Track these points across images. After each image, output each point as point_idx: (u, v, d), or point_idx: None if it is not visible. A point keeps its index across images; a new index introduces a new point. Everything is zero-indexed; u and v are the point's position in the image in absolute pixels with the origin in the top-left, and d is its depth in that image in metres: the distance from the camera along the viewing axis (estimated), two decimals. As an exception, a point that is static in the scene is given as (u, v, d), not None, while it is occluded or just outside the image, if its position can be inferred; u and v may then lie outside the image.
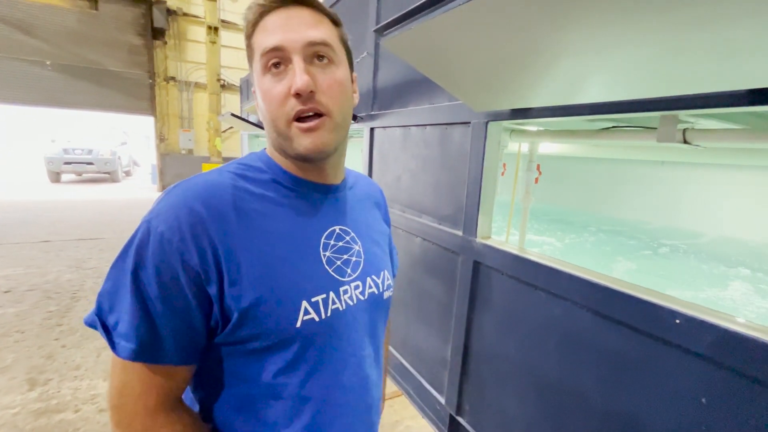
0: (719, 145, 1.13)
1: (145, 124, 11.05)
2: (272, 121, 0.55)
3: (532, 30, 0.93)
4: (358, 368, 0.62)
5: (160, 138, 9.97)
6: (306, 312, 0.54)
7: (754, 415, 0.85)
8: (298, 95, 0.53)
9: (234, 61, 10.57)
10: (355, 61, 2.56)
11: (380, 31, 1.22)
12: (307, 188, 0.61)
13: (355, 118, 2.59)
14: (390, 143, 2.32)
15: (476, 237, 1.65)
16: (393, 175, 2.30)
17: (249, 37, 0.57)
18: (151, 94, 9.74)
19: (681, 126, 1.08)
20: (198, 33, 9.99)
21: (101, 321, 0.49)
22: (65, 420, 1.92)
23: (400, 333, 2.28)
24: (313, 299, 0.55)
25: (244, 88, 7.90)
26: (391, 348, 2.37)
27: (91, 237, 5.24)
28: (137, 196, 9.18)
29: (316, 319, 0.55)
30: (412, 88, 2.08)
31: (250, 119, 6.28)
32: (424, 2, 1.02)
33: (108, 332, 0.49)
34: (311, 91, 0.53)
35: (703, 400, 0.94)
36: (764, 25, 0.64)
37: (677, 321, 0.97)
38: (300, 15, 0.54)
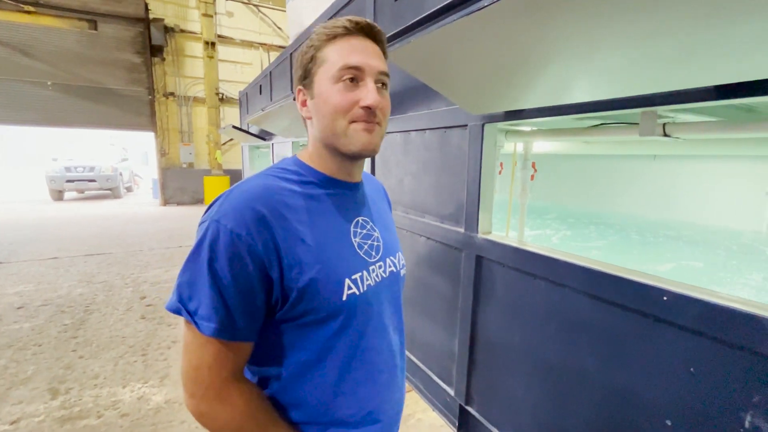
0: (698, 137, 1.22)
1: (144, 139, 11.19)
2: (334, 119, 0.66)
3: (521, 39, 1.03)
4: (385, 333, 0.74)
5: (161, 153, 10.10)
6: (349, 287, 0.66)
7: (738, 379, 0.94)
8: (368, 108, 0.66)
9: (232, 75, 10.74)
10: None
11: (381, 44, 1.33)
12: (337, 186, 0.73)
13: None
14: (391, 148, 2.42)
15: (478, 233, 1.74)
16: (395, 178, 2.40)
17: (320, 48, 0.67)
18: (151, 109, 9.89)
19: (661, 120, 1.18)
20: (195, 48, 10.17)
21: (184, 308, 0.59)
22: (89, 425, 1.99)
23: (408, 330, 2.35)
24: (353, 277, 0.67)
25: (243, 101, 8.04)
26: (399, 345, 2.44)
27: (99, 252, 5.32)
28: (139, 210, 9.28)
29: (357, 293, 0.67)
30: (410, 95, 2.18)
31: (252, 131, 6.38)
32: (421, 18, 1.13)
33: (191, 316, 0.59)
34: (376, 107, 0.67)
35: (692, 369, 1.02)
36: (725, 30, 0.74)
37: (665, 298, 1.06)
38: (374, 48, 0.69)
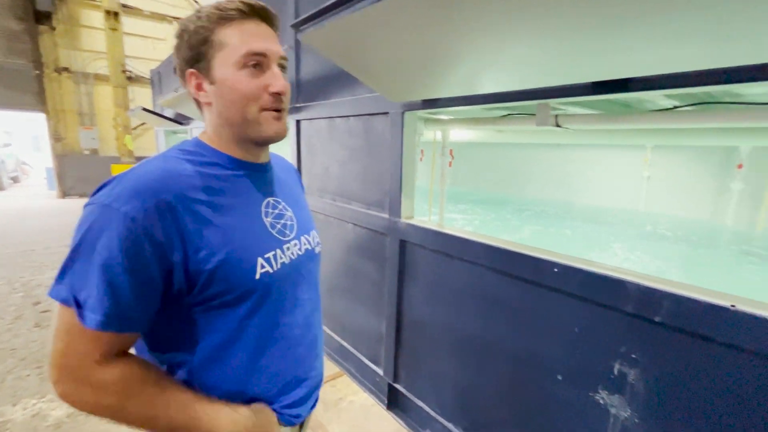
0: (584, 127, 1.39)
1: (34, 121, 9.63)
2: (244, 106, 0.66)
3: (432, 30, 1.07)
4: (302, 308, 0.77)
5: (56, 137, 8.79)
6: (262, 266, 0.67)
7: (610, 334, 1.11)
8: (277, 94, 0.67)
9: (141, 51, 9.64)
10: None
11: (297, 26, 1.29)
12: (244, 168, 0.72)
13: (280, 110, 2.60)
14: (317, 135, 2.39)
15: (401, 218, 1.80)
16: (322, 165, 2.38)
17: (214, 30, 0.64)
18: (39, 87, 8.51)
19: (554, 112, 1.32)
20: (94, 18, 8.91)
21: (73, 297, 0.55)
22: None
23: (340, 317, 2.38)
24: (266, 255, 0.68)
25: (156, 81, 7.27)
26: (331, 332, 2.47)
27: (-24, 254, 4.53)
28: (31, 204, 8.02)
29: (270, 271, 0.68)
30: (334, 80, 2.16)
31: (166, 114, 5.82)
32: (335, 1, 1.12)
33: (78, 307, 0.54)
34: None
35: (576, 329, 1.18)
36: (599, 34, 0.85)
37: (555, 270, 1.20)
38: (271, 32, 0.70)
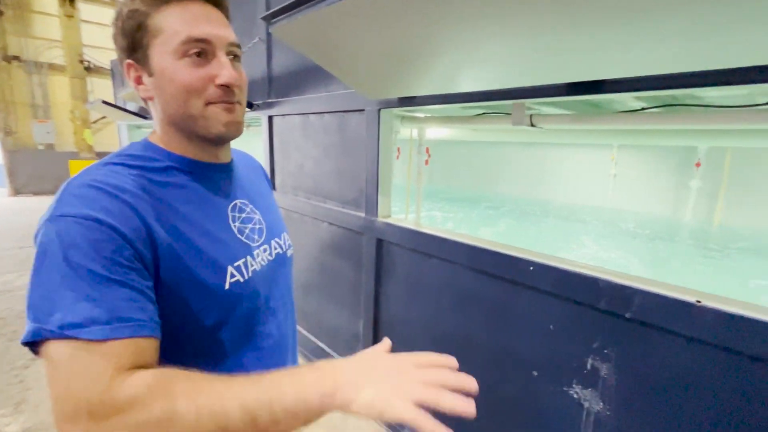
0: (557, 127, 1.41)
1: (-19, 114, 8.94)
2: (186, 101, 0.58)
3: (408, 26, 1.05)
4: (275, 317, 0.72)
5: (6, 131, 8.19)
6: (232, 275, 0.61)
7: (583, 330, 1.14)
8: (225, 87, 0.59)
9: (101, 40, 9.10)
10: (246, 48, 2.46)
11: (268, 19, 1.24)
12: (204, 170, 0.66)
13: (251, 106, 2.52)
14: (290, 131, 2.32)
15: (377, 217, 1.78)
16: (296, 163, 2.32)
17: (149, 14, 0.57)
18: (-14, 76, 7.90)
19: (529, 112, 1.33)
20: (48, 4, 8.33)
21: (45, 327, 0.44)
22: None
23: (315, 317, 2.34)
24: (235, 264, 0.63)
25: (117, 72, 6.89)
26: (306, 332, 2.42)
27: None
28: (-22, 203, 7.45)
29: (241, 280, 0.63)
30: (308, 75, 2.10)
31: (129, 107, 5.53)
32: (309, -7, 1.08)
33: (59, 330, 0.44)
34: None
35: (551, 326, 1.21)
36: (574, 37, 0.85)
37: (531, 268, 1.22)
38: (218, 15, 0.61)
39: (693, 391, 0.95)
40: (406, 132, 2.02)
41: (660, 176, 3.48)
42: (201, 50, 0.58)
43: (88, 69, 8.83)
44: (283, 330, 0.75)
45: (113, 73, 7.38)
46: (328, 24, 1.16)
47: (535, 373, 1.27)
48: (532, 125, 1.30)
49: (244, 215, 0.70)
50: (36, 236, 0.50)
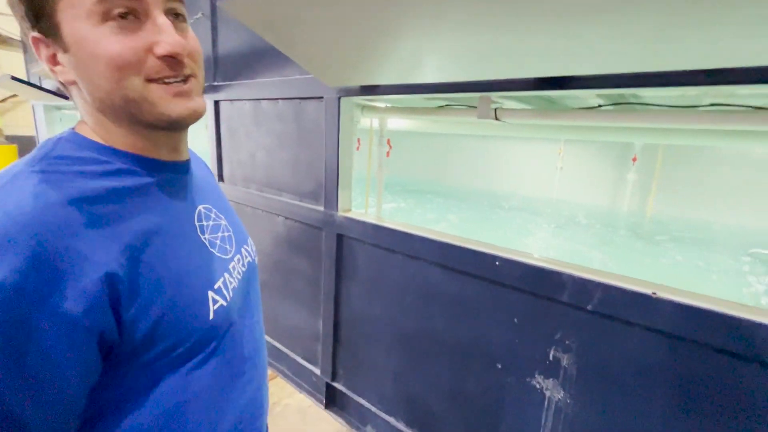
0: (519, 122, 1.42)
1: None
2: (119, 80, 0.44)
3: (373, 11, 0.98)
4: (252, 335, 0.63)
5: None
6: (214, 301, 0.52)
7: (546, 323, 1.16)
8: (167, 58, 0.45)
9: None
10: (188, 23, 2.22)
11: (216, -9, 1.10)
12: (163, 170, 0.52)
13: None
14: (240, 118, 2.15)
15: (337, 211, 1.71)
16: (246, 152, 2.15)
17: None
18: None
19: (494, 106, 1.32)
20: (-66, -42, 7.05)
21: None
22: None
23: (270, 316, 2.22)
24: (215, 286, 0.53)
25: (29, 44, 6.01)
26: (261, 333, 2.30)
27: None
28: None
29: (224, 304, 0.53)
30: (259, 57, 1.94)
31: (45, 86, 4.88)
32: (263, -36, 0.97)
33: None
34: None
35: (515, 320, 1.22)
36: (544, 36, 0.83)
37: (497, 263, 1.22)
38: None
39: (648, 378, 1.00)
40: (366, 122, 1.95)
41: (601, 170, 3.76)
42: (127, 9, 0.43)
43: (-9, 39, 7.63)
44: (258, 345, 0.66)
45: (24, 46, 6.44)
46: (287, 2, 1.05)
47: (499, 366, 1.29)
48: (497, 119, 1.29)
49: (211, 223, 0.58)
50: None
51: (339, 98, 1.59)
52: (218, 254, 0.57)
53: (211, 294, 0.51)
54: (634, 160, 3.42)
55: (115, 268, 0.41)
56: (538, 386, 1.21)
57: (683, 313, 0.91)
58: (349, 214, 1.68)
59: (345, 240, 1.71)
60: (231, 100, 2.16)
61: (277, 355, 2.22)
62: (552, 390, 1.18)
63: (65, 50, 0.44)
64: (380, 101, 1.76)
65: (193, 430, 0.51)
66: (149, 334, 0.44)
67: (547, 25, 0.81)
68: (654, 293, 0.95)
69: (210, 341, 0.51)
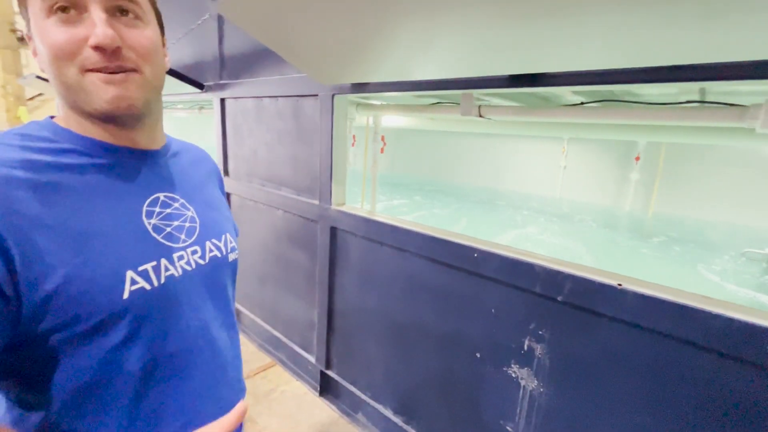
0: (504, 119, 1.46)
1: None
2: (58, 68, 0.50)
3: (362, 11, 1.03)
4: (204, 332, 0.62)
5: None
6: (133, 282, 0.52)
7: (522, 313, 1.20)
8: (99, 49, 0.49)
9: (35, 8, 8.25)
10: (196, 24, 2.32)
11: (211, -6, 1.17)
12: (115, 154, 0.57)
13: (202, 86, 2.40)
14: (243, 115, 2.24)
15: (332, 204, 1.77)
16: (249, 148, 2.24)
17: None
18: None
19: (478, 103, 1.36)
20: (-30, -37, 7.43)
21: None
22: None
23: (270, 306, 2.31)
24: (140, 268, 0.53)
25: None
26: (262, 321, 2.38)
27: None
28: None
29: (148, 287, 0.53)
30: (261, 56, 2.03)
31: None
32: (253, -31, 1.03)
33: None
34: (117, 47, 0.50)
35: (493, 310, 1.26)
36: (514, 31, 0.87)
37: (476, 255, 1.26)
38: None
39: (616, 367, 1.03)
40: (362, 119, 2.01)
41: (604, 169, 3.72)
42: (67, 2, 0.49)
43: (21, 39, 8.00)
44: (217, 345, 0.64)
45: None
46: (278, 3, 1.11)
47: (478, 355, 1.33)
48: (481, 116, 1.33)
49: (168, 211, 0.61)
50: None
51: (333, 96, 1.65)
52: (161, 239, 0.58)
53: (130, 273, 0.52)
54: (637, 159, 3.37)
55: (12, 226, 0.44)
56: (513, 375, 1.24)
57: (646, 303, 0.94)
58: (342, 208, 1.75)
59: (338, 232, 1.78)
60: (236, 98, 2.25)
61: (276, 344, 2.31)
62: (527, 379, 1.22)
63: (36, 45, 0.52)
64: (374, 99, 1.81)
65: (112, 413, 0.52)
66: (46, 302, 0.45)
67: (519, 21, 0.85)
68: (619, 284, 0.98)
69: (124, 320, 0.51)
